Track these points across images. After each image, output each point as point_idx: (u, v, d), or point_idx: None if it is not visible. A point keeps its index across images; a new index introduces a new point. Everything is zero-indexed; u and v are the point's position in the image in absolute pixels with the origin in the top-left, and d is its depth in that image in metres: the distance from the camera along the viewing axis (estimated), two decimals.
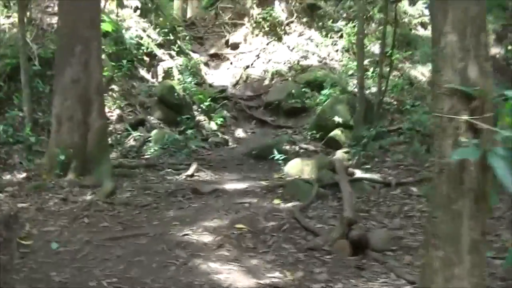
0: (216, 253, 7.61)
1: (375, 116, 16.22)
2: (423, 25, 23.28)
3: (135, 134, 14.90)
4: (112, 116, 15.31)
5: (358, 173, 12.16)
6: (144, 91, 17.09)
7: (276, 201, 10.28)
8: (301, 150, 15.76)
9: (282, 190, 11.00)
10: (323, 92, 17.92)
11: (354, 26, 21.34)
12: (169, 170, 12.72)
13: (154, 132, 15.27)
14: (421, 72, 20.98)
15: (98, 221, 8.92)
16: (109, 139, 14.26)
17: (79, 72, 11.12)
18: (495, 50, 23.73)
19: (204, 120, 17.05)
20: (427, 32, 22.85)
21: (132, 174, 12.08)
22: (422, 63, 21.41)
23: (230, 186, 11.49)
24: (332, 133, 16.04)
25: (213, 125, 17.02)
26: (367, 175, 12.07)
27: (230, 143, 16.74)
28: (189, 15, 25.76)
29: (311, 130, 16.75)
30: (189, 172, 12.47)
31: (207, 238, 8.15)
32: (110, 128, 14.89)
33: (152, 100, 16.71)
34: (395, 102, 18.80)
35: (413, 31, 22.98)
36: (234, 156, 15.24)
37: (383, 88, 17.75)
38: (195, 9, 25.92)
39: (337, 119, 16.24)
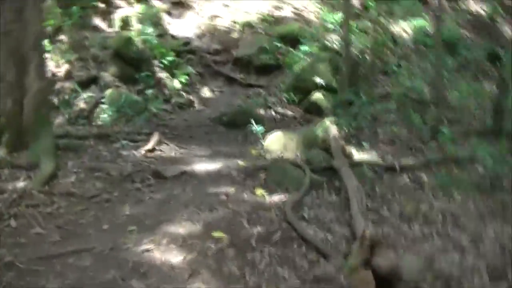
0: (188, 286, 5.33)
1: (362, 78, 14.01)
2: None
3: (85, 95, 12.39)
4: (59, 72, 12.80)
5: (355, 154, 9.89)
6: (97, 43, 14.49)
7: (259, 191, 7.99)
8: (278, 116, 13.47)
9: (265, 174, 8.70)
10: (302, 48, 15.49)
11: None
12: (125, 142, 10.30)
13: (108, 92, 12.81)
14: (403, 28, 18.70)
15: (29, 225, 6.54)
16: (55, 100, 11.81)
17: (10, 23, 8.54)
18: (476, 7, 21.64)
19: (166, 77, 14.56)
20: None
21: (80, 148, 9.64)
22: (404, 18, 19.13)
23: (199, 166, 9.15)
24: (313, 97, 13.74)
25: (176, 83, 14.55)
26: (367, 157, 9.83)
27: (195, 105, 14.33)
28: None
29: (287, 92, 14.39)
30: (150, 145, 10.10)
31: (175, 256, 5.88)
32: (57, 87, 12.42)
33: (107, 53, 14.14)
34: (378, 62, 16.54)
35: None
36: (201, 122, 12.86)
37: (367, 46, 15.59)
38: None
39: (319, 80, 13.90)
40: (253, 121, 10.92)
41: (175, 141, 10.88)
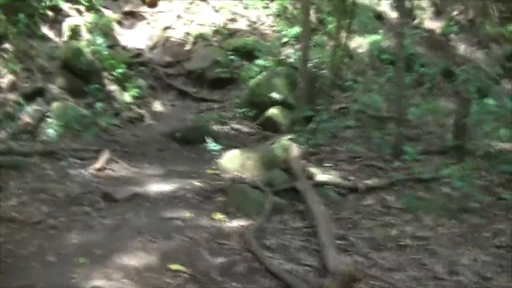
0: None
1: (320, 93, 13.54)
2: None
3: (30, 108, 11.62)
4: (2, 83, 11.97)
5: (317, 174, 9.35)
6: (45, 53, 13.71)
7: (218, 216, 7.39)
8: (233, 132, 12.89)
9: (223, 197, 8.10)
10: (258, 62, 14.98)
11: None
12: (72, 160, 9.61)
13: (55, 105, 12.05)
14: (359, 44, 18.31)
15: None
16: None
17: None
18: (434, 24, 21.41)
19: (117, 90, 13.86)
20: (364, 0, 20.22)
21: (24, 166, 8.88)
22: (360, 33, 18.74)
23: (153, 187, 8.48)
24: (268, 112, 13.21)
25: (127, 97, 13.87)
26: (330, 178, 9.29)
27: (146, 119, 13.65)
28: None
29: (242, 107, 13.83)
30: (99, 164, 9.41)
31: None
32: None
33: (55, 64, 13.38)
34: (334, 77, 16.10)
35: None
36: (153, 138, 12.20)
37: (324, 61, 15.16)
38: None
39: (275, 95, 13.39)
40: (208, 138, 10.28)
41: (126, 158, 10.22)
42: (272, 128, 12.91)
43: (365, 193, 8.73)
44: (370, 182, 9.21)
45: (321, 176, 9.28)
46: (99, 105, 12.68)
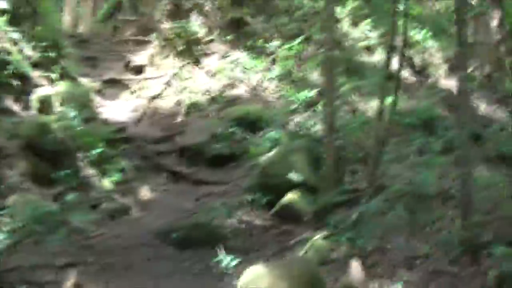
0: None
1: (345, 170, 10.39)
2: (369, 49, 17.60)
3: None
4: None
5: None
6: (5, 130, 10.50)
7: None
8: (242, 226, 9.57)
9: None
10: (269, 135, 11.77)
11: (291, 48, 15.43)
12: None
13: (11, 199, 8.80)
14: (373, 107, 15.23)
15: None
16: None
17: None
18: (449, 82, 18.41)
19: (94, 175, 10.61)
20: (374, 59, 17.24)
21: None
22: (374, 96, 15.68)
23: None
24: (286, 198, 9.95)
25: (106, 183, 10.61)
26: None
27: (132, 211, 10.35)
28: (81, 30, 19.17)
29: (252, 192, 10.53)
30: None
31: None
32: None
33: (15, 144, 10.16)
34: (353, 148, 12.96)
35: (357, 56, 17.22)
36: (141, 239, 8.87)
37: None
38: (89, 24, 19.36)
39: (293, 176, 10.15)
40: (220, 250, 6.96)
41: (101, 280, 6.93)
42: (292, 218, 9.69)
43: None
44: None
45: None
46: (70, 196, 9.46)
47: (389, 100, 15.11)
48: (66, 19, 20.86)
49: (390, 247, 8.25)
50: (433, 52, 18.58)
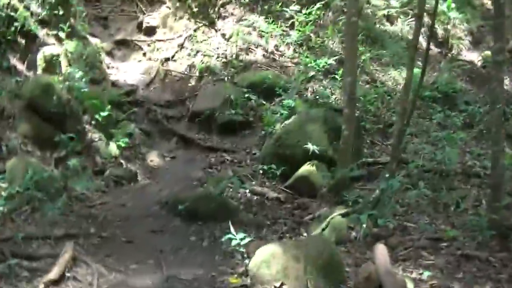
0: None
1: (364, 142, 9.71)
2: (389, 18, 16.77)
3: None
4: None
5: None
6: (7, 90, 9.86)
7: None
8: (254, 198, 8.92)
9: None
10: (285, 102, 11.06)
11: (310, 13, 14.62)
12: (14, 262, 5.65)
13: (10, 162, 8.19)
14: (394, 78, 14.48)
15: None
16: None
17: None
18: (472, 55, 17.60)
19: (100, 139, 9.98)
20: (395, 28, 16.41)
21: None
22: (395, 66, 14.92)
23: None
24: (302, 170, 9.30)
25: (113, 148, 9.98)
26: None
27: (139, 178, 9.74)
28: None
29: (266, 162, 9.89)
30: (54, 272, 5.46)
31: None
32: None
33: (18, 105, 9.53)
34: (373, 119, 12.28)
35: (378, 25, 16.39)
36: (146, 209, 8.27)
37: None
38: None
39: (310, 147, 9.46)
40: (230, 226, 6.29)
41: (101, 253, 6.38)
42: (308, 191, 9.05)
43: None
44: None
45: None
46: (73, 161, 8.83)
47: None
48: None
49: (414, 227, 7.62)
50: (456, 23, 17.73)
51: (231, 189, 8.77)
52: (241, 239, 5.96)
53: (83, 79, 10.70)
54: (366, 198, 7.99)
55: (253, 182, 9.48)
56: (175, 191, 8.86)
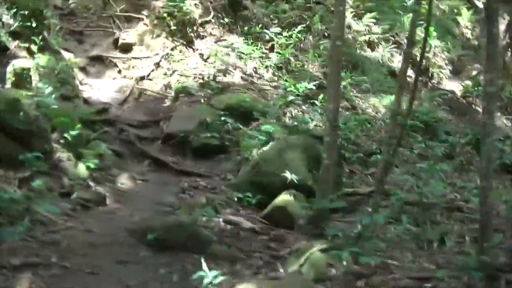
0: None
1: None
2: (371, 44, 16.50)
3: None
4: None
5: None
6: None
7: None
8: (228, 227, 8.42)
9: None
10: (263, 127, 10.60)
11: (291, 36, 14.27)
12: None
13: None
14: (373, 105, 14.16)
15: None
16: None
17: None
18: (452, 84, 17.39)
19: (68, 159, 9.41)
20: (376, 54, 16.14)
21: None
22: (375, 93, 14.61)
23: None
24: (280, 200, 8.83)
25: (82, 169, 9.39)
26: None
27: (108, 201, 9.16)
28: (70, 3, 17.87)
29: (241, 190, 9.41)
30: None
31: None
32: None
33: None
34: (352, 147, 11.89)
35: (358, 51, 16.09)
36: (114, 237, 7.65)
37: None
38: None
39: (289, 175, 9.01)
40: (203, 264, 5.76)
41: (64, 283, 5.78)
42: (285, 222, 8.59)
43: None
44: None
45: None
46: (38, 182, 8.22)
47: (390, 98, 14.13)
48: None
49: (396, 265, 7.17)
50: (437, 52, 17.54)
51: (204, 218, 8.25)
52: (214, 277, 5.44)
53: (53, 95, 10.15)
54: (347, 232, 7.52)
55: (228, 210, 8.99)
56: (145, 217, 8.32)
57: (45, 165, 8.80)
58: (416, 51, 16.52)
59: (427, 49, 16.68)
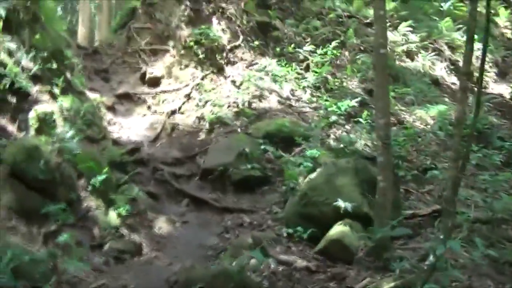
0: None
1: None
2: (409, 54, 15.40)
3: None
4: None
5: None
6: None
7: None
8: (280, 268, 7.34)
9: None
10: (307, 153, 9.54)
11: (325, 53, 13.26)
12: None
13: None
14: (420, 117, 12.99)
15: None
16: None
17: None
18: (499, 88, 16.18)
19: (97, 208, 8.47)
20: (416, 64, 15.03)
21: None
22: (420, 105, 13.46)
23: None
24: (334, 231, 7.74)
25: (113, 217, 8.44)
26: None
27: (144, 250, 8.17)
28: (96, 42, 17.19)
29: (290, 223, 8.36)
30: None
31: None
32: None
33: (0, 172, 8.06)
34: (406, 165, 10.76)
35: (397, 62, 15.00)
36: None
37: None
38: (104, 34, 17.34)
39: (341, 203, 7.92)
40: None
41: None
42: (342, 257, 7.50)
43: None
44: None
45: None
46: (64, 236, 7.27)
47: (437, 109, 13.02)
48: (81, 31, 19.01)
49: None
50: (479, 55, 16.35)
51: (252, 260, 7.20)
52: None
53: (75, 139, 9.24)
54: (415, 262, 6.39)
55: (277, 249, 7.91)
56: (187, 266, 7.29)
57: (72, 216, 7.94)
58: (459, 56, 15.60)
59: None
